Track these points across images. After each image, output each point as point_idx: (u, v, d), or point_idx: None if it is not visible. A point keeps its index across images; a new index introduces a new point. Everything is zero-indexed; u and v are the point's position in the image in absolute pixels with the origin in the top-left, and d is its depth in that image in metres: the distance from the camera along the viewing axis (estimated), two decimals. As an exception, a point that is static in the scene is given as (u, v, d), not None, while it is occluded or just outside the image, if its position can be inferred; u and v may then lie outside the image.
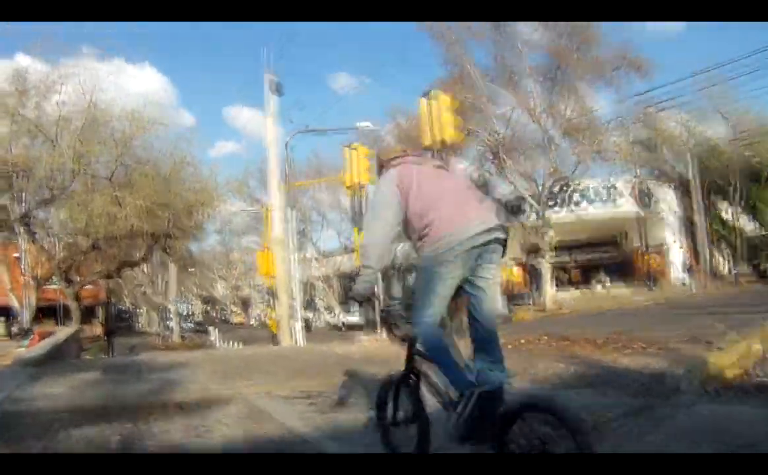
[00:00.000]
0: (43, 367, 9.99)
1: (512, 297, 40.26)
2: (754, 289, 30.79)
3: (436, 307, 3.58)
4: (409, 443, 3.88)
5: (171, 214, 26.65)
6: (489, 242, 3.54)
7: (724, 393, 5.62)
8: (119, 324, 72.15)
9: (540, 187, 35.13)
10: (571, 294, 43.17)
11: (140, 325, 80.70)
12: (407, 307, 3.92)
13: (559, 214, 41.49)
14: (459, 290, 3.65)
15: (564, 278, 49.48)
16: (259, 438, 5.12)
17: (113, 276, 34.95)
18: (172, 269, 52.57)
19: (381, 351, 11.35)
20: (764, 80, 76.05)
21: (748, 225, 48.14)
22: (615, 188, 44.81)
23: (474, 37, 34.29)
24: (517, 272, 48.01)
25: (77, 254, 28.56)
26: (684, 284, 37.32)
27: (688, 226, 46.40)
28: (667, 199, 47.38)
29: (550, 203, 38.24)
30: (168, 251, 33.91)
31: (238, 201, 49.53)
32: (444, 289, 3.56)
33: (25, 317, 32.46)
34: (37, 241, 28.18)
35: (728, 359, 6.66)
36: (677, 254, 46.08)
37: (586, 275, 50.32)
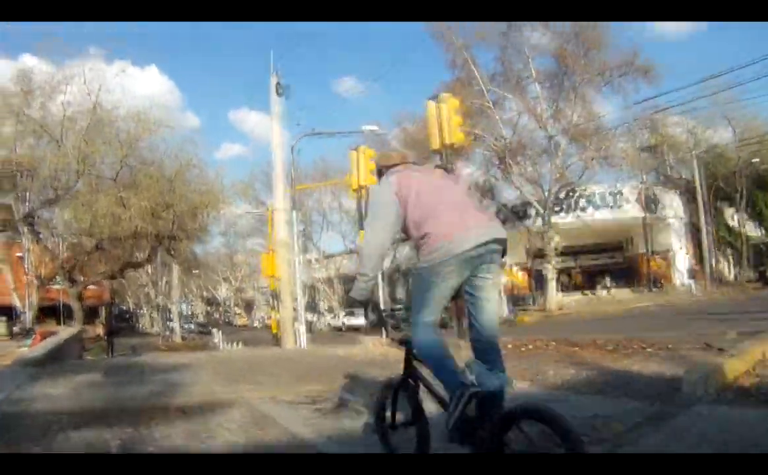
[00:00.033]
0: (44, 367, 9.90)
1: (516, 300, 40.34)
2: (760, 295, 30.64)
3: (431, 311, 3.57)
4: (409, 446, 3.87)
5: (175, 216, 26.60)
6: (488, 249, 3.49)
7: (740, 400, 5.49)
8: (121, 325, 72.24)
9: (546, 193, 35.06)
10: (573, 298, 43.31)
11: (142, 326, 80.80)
12: (409, 309, 3.90)
13: (564, 220, 41.57)
14: (460, 292, 3.62)
15: (568, 281, 49.61)
16: (264, 444, 4.99)
17: (117, 277, 34.89)
18: (176, 270, 52.59)
19: (385, 354, 11.24)
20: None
21: (753, 231, 48.13)
22: (621, 194, 44.86)
23: (481, 42, 34.29)
24: (521, 276, 48.16)
25: (81, 254, 28.53)
26: (689, 289, 37.15)
27: (694, 232, 46.42)
28: (674, 205, 47.60)
29: (556, 209, 38.25)
30: (172, 252, 33.86)
31: (244, 204, 49.63)
32: (439, 295, 3.56)
33: (28, 316, 32.41)
34: (40, 241, 28.18)
35: (743, 365, 6.52)
36: (682, 259, 46.07)
37: (591, 279, 50.52)
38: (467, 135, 17.21)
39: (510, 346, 11.05)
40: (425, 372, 3.73)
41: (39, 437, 5.20)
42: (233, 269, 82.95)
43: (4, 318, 32.36)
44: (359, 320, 41.80)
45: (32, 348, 15.54)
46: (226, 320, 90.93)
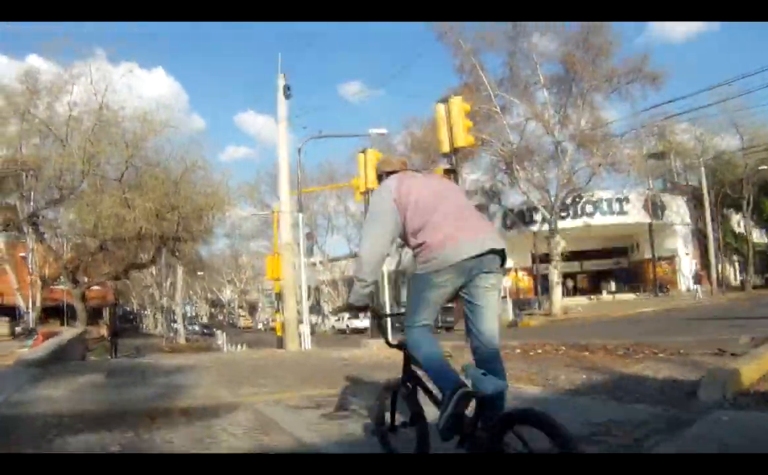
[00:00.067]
0: (45, 368, 9.80)
1: (521, 304, 40.38)
2: (767, 300, 30.52)
3: (425, 315, 3.63)
4: (409, 448, 3.86)
5: (180, 217, 26.54)
6: (484, 259, 3.49)
7: (759, 406, 5.36)
8: (125, 325, 72.34)
9: (553, 198, 34.97)
10: (579, 301, 43.39)
11: (146, 327, 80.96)
12: None
13: (570, 224, 41.63)
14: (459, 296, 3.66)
15: (573, 286, 49.84)
16: (267, 450, 4.87)
17: (120, 278, 34.89)
18: (180, 271, 52.62)
19: (390, 356, 11.10)
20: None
21: (760, 238, 48.16)
22: (627, 200, 45.05)
23: (489, 48, 34.26)
24: (526, 280, 48.36)
25: (85, 254, 28.50)
26: (695, 294, 37.08)
27: (700, 238, 46.68)
28: (680, 211, 47.97)
29: (563, 214, 38.25)
30: (176, 253, 33.82)
31: (249, 206, 49.65)
32: (434, 301, 3.61)
33: (31, 316, 32.40)
34: (44, 241, 28.16)
35: (759, 370, 6.41)
36: (688, 265, 46.23)
37: (596, 283, 51.14)
38: (475, 139, 17.12)
39: (519, 350, 10.97)
40: (423, 374, 3.73)
41: (36, 441, 5.09)
42: (238, 271, 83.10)
43: (6, 318, 32.38)
44: (363, 323, 41.81)
45: (34, 349, 15.47)
46: (230, 322, 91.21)
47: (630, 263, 51.69)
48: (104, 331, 38.64)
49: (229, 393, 7.63)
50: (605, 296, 47.68)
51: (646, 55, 33.23)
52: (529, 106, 34.57)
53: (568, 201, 38.99)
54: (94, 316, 38.86)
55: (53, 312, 38.94)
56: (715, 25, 78.48)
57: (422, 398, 3.81)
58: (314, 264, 56.64)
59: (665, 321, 21.57)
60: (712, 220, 44.06)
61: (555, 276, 34.96)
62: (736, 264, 51.41)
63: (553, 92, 35.20)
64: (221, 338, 45.24)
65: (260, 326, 77.77)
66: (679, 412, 5.26)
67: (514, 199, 43.54)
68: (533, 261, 44.54)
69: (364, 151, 19.64)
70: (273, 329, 34.61)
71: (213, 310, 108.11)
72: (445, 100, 14.96)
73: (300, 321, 22.68)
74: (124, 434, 5.33)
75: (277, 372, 10.10)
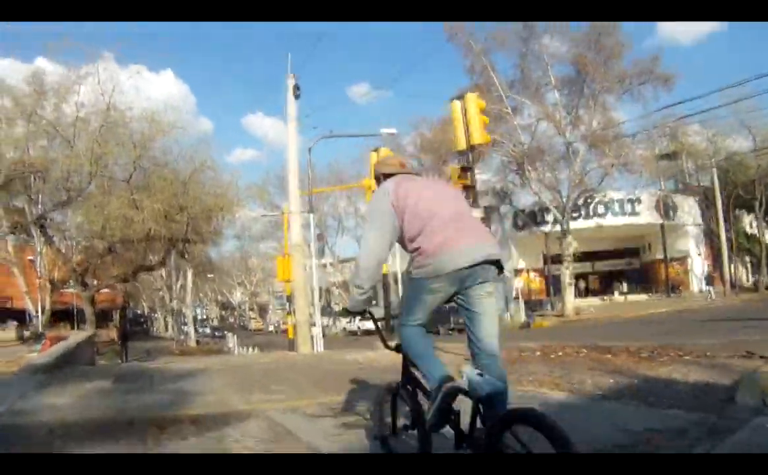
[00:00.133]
0: (52, 374, 9.56)
1: (533, 305, 40.27)
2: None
3: (418, 316, 3.66)
4: (410, 450, 3.92)
5: (189, 219, 26.32)
6: (479, 268, 3.49)
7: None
8: (135, 329, 72.44)
9: (564, 199, 34.81)
10: (591, 302, 43.46)
11: (156, 329, 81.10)
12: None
13: (582, 225, 41.55)
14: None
15: (584, 286, 49.76)
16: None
17: (129, 280, 34.74)
18: (190, 273, 52.59)
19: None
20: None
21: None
22: (639, 201, 44.99)
23: (500, 49, 34.17)
24: (538, 280, 48.37)
25: (93, 257, 28.33)
26: (707, 295, 36.87)
27: (712, 239, 46.90)
28: (692, 212, 48.02)
29: (574, 214, 38.12)
30: (185, 255, 33.67)
31: (258, 207, 49.54)
32: (427, 305, 3.63)
33: (40, 320, 32.30)
34: (53, 243, 28.03)
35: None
36: (700, 265, 46.10)
37: (608, 284, 51.19)
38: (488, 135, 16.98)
39: (538, 353, 10.77)
40: (420, 376, 3.77)
41: (37, 452, 4.86)
42: (248, 273, 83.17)
43: (14, 322, 32.32)
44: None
45: (41, 353, 15.29)
46: (241, 324, 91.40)
47: (642, 263, 51.64)
48: (114, 334, 38.62)
49: (241, 399, 7.41)
50: (617, 296, 47.63)
51: (657, 56, 33.17)
52: (540, 106, 34.47)
53: (580, 202, 38.88)
54: (103, 319, 38.89)
55: (63, 316, 38.92)
56: (723, 26, 77.99)
57: (422, 400, 3.75)
58: (324, 266, 56.57)
59: (679, 322, 21.36)
60: (724, 221, 44.14)
61: (567, 277, 34.84)
62: (749, 265, 51.29)
63: (564, 93, 35.19)
64: (232, 340, 45.14)
65: (271, 328, 77.83)
66: (718, 419, 5.05)
67: (525, 199, 43.54)
68: (545, 262, 44.54)
69: (376, 150, 19.55)
70: (284, 332, 34.46)
71: (223, 312, 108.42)
72: (461, 97, 14.79)
73: (312, 323, 22.50)
74: (130, 445, 5.12)
75: (289, 376, 9.91)
